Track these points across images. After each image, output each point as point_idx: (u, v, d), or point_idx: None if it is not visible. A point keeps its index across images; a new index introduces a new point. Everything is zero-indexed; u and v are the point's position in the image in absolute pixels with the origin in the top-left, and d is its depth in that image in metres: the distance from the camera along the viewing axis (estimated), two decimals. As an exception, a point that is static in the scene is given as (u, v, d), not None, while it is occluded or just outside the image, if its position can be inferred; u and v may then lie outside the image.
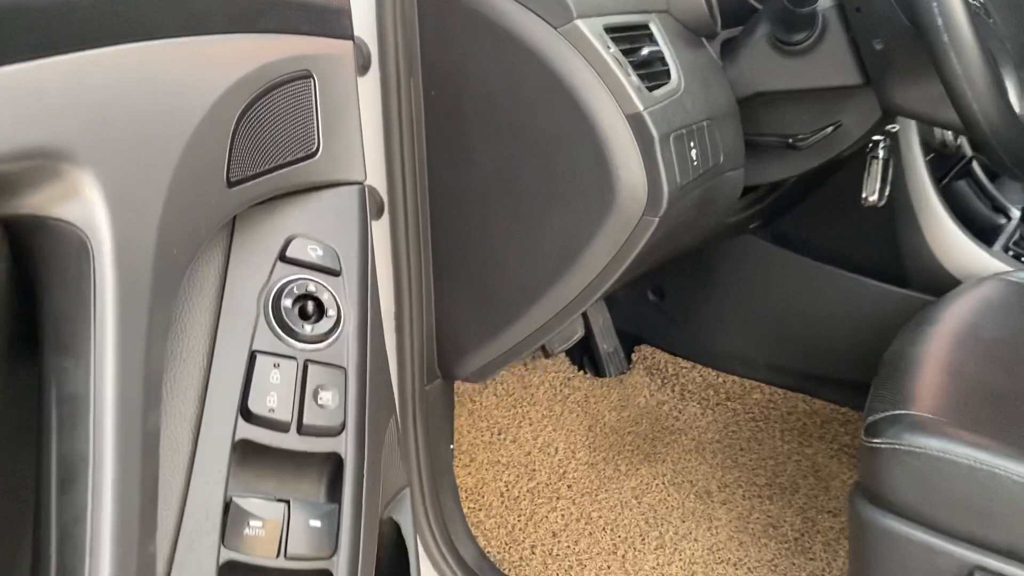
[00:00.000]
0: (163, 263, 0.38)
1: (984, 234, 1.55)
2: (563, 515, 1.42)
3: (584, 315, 1.79)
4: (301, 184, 0.52)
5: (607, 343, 1.78)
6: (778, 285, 1.61)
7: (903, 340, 1.18)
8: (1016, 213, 1.53)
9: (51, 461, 0.36)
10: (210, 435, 0.46)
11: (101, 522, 0.35)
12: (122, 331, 0.36)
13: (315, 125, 0.53)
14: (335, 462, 0.51)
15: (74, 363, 0.36)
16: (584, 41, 0.89)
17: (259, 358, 0.48)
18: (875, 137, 1.28)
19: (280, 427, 0.48)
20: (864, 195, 1.31)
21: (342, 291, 0.53)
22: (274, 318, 0.49)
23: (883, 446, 0.93)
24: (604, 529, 1.39)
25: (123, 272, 0.36)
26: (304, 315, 0.51)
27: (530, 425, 1.62)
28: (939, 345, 1.12)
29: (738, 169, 1.10)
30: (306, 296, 0.51)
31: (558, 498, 1.46)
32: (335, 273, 0.53)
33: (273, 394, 0.47)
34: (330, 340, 0.51)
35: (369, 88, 0.93)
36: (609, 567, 1.32)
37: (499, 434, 1.58)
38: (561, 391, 1.72)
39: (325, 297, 0.52)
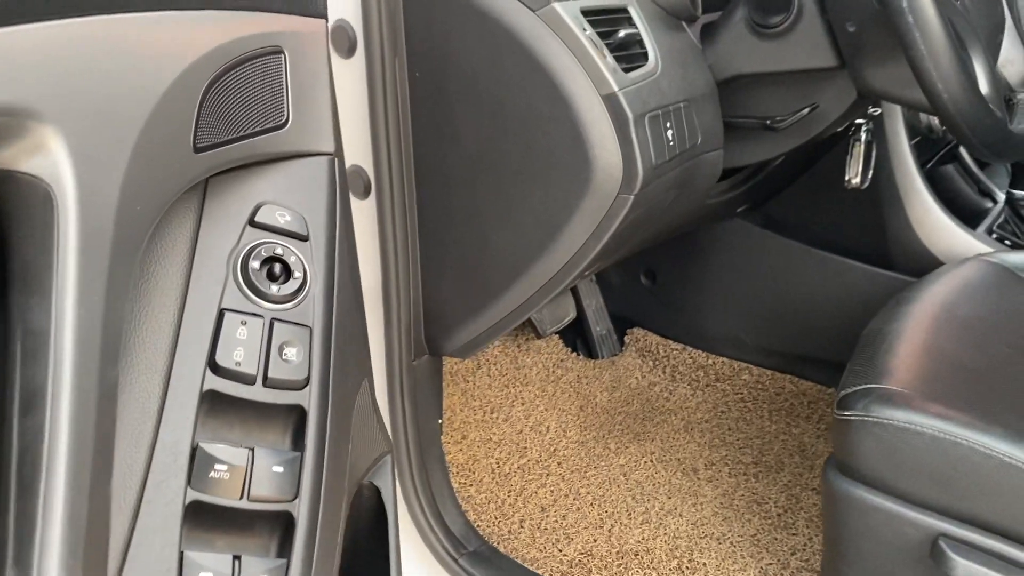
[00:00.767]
0: (126, 217, 0.41)
1: (970, 217, 1.57)
2: (552, 491, 1.45)
3: (577, 298, 1.82)
4: (270, 154, 0.55)
5: (600, 325, 1.81)
6: (767, 268, 1.63)
7: (881, 318, 1.20)
8: (1001, 197, 1.55)
9: (15, 389, 0.39)
10: (179, 386, 0.49)
11: (58, 441, 0.38)
12: (82, 275, 0.39)
13: (285, 98, 0.56)
14: (299, 414, 0.54)
15: (37, 301, 0.39)
16: (561, 23, 0.92)
17: (227, 315, 0.51)
18: (858, 120, 1.31)
19: (246, 379, 0.51)
20: (847, 177, 1.33)
21: (309, 255, 0.56)
22: (242, 278, 0.53)
23: (853, 418, 0.96)
24: (592, 504, 1.43)
25: (85, 223, 0.39)
26: (272, 277, 0.54)
27: (522, 405, 1.65)
28: (915, 323, 1.14)
29: (716, 151, 1.12)
30: (274, 259, 0.54)
31: (548, 475, 1.49)
32: (303, 238, 0.56)
33: (240, 349, 0.51)
34: (296, 300, 0.54)
35: (355, 70, 0.96)
36: (595, 540, 1.35)
37: (491, 413, 1.61)
38: (554, 372, 1.75)
39: (292, 260, 0.55)
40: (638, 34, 1.00)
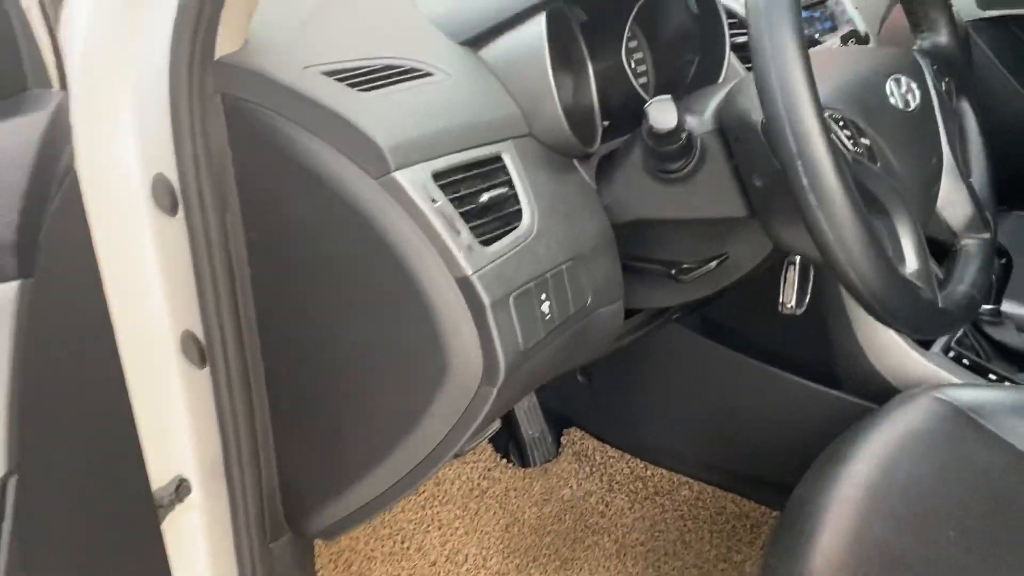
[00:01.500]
0: None
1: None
2: (461, 640, 1.32)
3: (507, 400, 1.68)
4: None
5: (533, 428, 1.67)
6: (706, 377, 1.49)
7: (811, 482, 1.06)
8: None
9: None
10: None
11: None
12: None
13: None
14: None
15: None
16: (404, 195, 0.77)
17: None
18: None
19: None
20: (781, 300, 1.19)
21: None
22: None
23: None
24: (503, 659, 1.29)
25: None
26: None
27: (439, 529, 1.51)
28: (846, 496, 1.00)
29: (614, 303, 0.98)
30: None
31: (459, 618, 1.35)
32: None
33: None
34: None
35: (180, 228, 0.82)
36: None
37: (402, 543, 1.47)
38: (479, 484, 1.61)
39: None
40: (508, 192, 0.86)
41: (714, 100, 0.90)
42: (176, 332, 0.87)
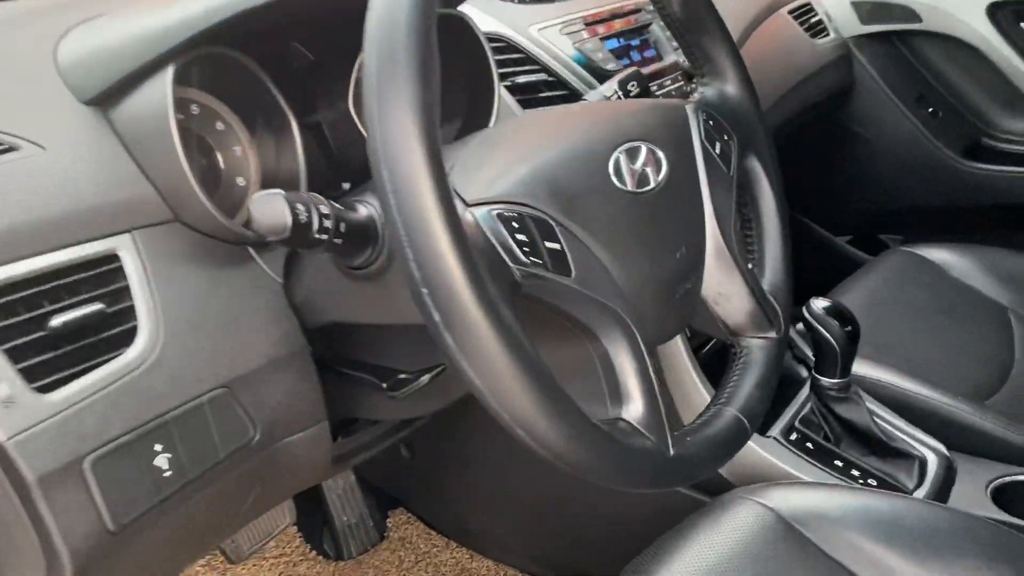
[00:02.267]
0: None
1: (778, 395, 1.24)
2: None
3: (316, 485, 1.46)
4: None
5: (349, 514, 1.45)
6: (528, 463, 1.28)
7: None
8: (803, 376, 1.21)
9: None
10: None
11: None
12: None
13: None
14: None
15: None
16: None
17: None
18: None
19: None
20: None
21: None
22: None
23: None
24: None
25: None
26: None
27: (219, 646, 1.29)
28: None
29: (312, 426, 0.77)
30: None
31: None
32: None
33: None
34: None
35: None
36: None
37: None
38: (280, 585, 1.39)
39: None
40: (117, 307, 0.64)
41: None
42: None
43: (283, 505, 1.35)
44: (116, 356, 0.63)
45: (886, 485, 1.09)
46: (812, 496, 0.98)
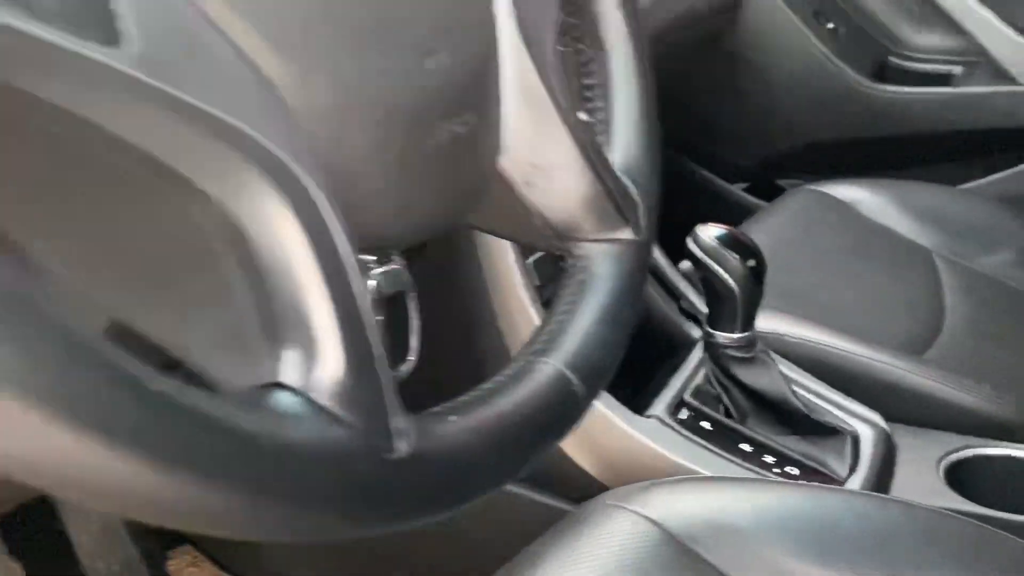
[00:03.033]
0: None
1: (667, 356, 0.95)
2: None
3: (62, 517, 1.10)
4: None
5: (109, 559, 1.08)
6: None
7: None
8: (697, 336, 0.91)
9: None
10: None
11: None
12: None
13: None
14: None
15: None
16: None
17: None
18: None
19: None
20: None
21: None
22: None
23: None
24: None
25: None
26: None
27: None
28: None
29: None
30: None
31: None
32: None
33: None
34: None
35: None
36: None
37: None
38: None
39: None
40: None
41: None
42: None
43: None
44: None
45: (810, 473, 0.80)
46: (710, 498, 0.68)
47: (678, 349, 0.95)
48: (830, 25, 1.47)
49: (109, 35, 0.24)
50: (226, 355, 0.28)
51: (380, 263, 0.64)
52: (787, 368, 0.88)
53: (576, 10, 0.47)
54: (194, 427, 0.23)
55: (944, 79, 1.43)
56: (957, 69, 1.43)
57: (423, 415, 0.31)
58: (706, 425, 0.83)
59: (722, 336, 0.83)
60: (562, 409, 0.37)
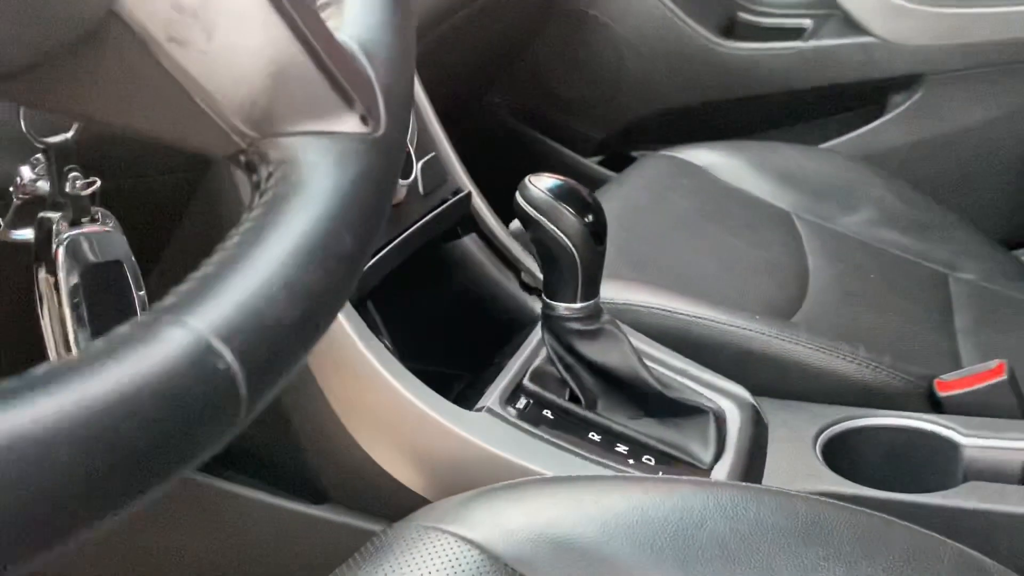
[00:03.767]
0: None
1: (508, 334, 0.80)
2: None
3: None
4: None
5: None
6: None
7: None
8: (537, 310, 0.77)
9: None
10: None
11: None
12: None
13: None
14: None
15: None
16: None
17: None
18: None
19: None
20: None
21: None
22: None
23: None
24: None
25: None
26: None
27: None
28: None
29: None
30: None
31: None
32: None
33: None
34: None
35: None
36: None
37: None
38: None
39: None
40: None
41: None
42: None
43: None
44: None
45: (670, 462, 0.68)
46: (546, 508, 0.53)
47: (522, 330, 0.81)
48: (677, -19, 1.38)
49: None
50: None
51: (77, 223, 0.47)
52: (640, 341, 0.75)
53: None
54: None
55: (796, 33, 1.36)
56: (807, 22, 1.35)
57: None
58: (548, 414, 0.69)
59: (562, 307, 0.69)
60: (203, 407, 0.21)
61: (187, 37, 0.26)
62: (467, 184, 0.83)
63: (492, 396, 0.68)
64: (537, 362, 0.73)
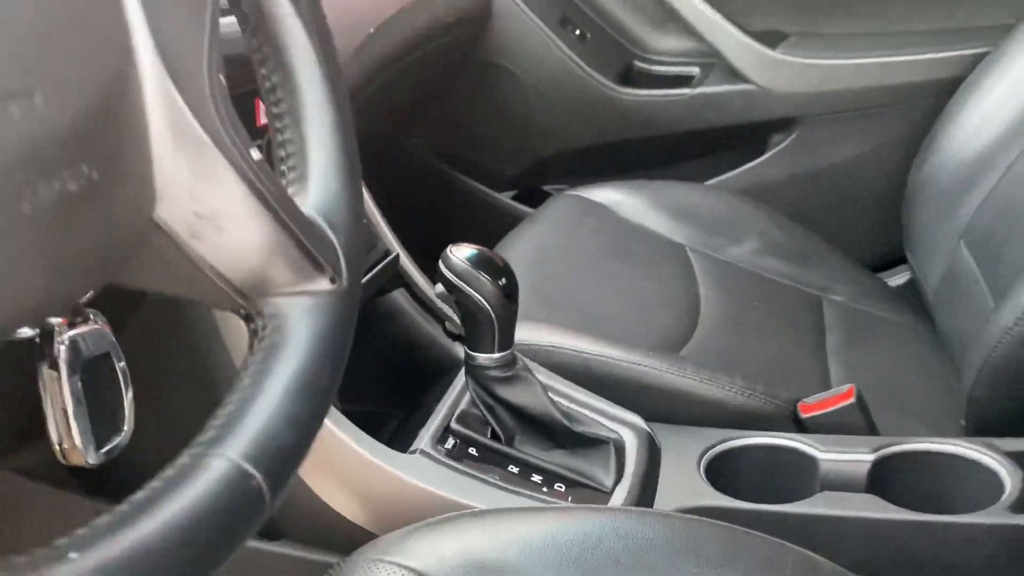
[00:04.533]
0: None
1: (438, 375, 0.91)
2: None
3: None
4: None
5: None
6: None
7: None
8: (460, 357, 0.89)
9: None
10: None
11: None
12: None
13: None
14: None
15: None
16: None
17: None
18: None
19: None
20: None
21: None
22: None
23: None
24: None
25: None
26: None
27: None
28: None
29: None
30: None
31: None
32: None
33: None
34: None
35: None
36: None
37: None
38: None
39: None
40: None
41: None
42: None
43: None
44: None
45: (576, 487, 0.80)
46: (475, 537, 0.64)
47: (447, 373, 0.92)
48: (577, 32, 1.50)
49: None
50: None
51: (73, 324, 0.55)
52: (550, 379, 0.87)
53: (254, 31, 0.42)
54: None
55: (685, 80, 1.50)
56: (695, 70, 1.49)
57: (35, 556, 0.25)
58: (473, 451, 0.80)
59: (482, 357, 0.80)
60: (241, 515, 0.31)
61: (204, 234, 0.36)
62: (395, 247, 0.93)
63: (424, 439, 0.79)
64: (462, 405, 0.84)
